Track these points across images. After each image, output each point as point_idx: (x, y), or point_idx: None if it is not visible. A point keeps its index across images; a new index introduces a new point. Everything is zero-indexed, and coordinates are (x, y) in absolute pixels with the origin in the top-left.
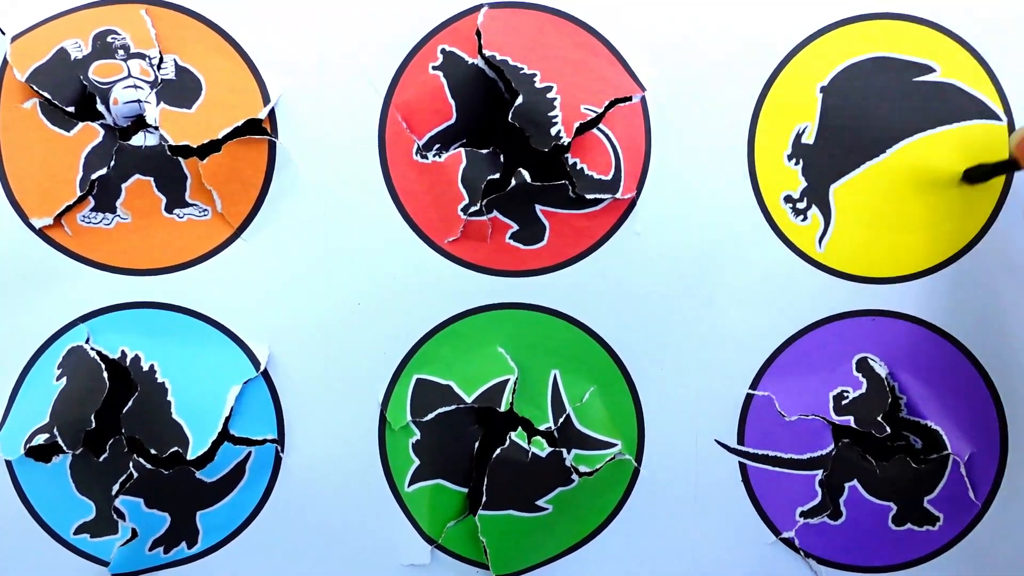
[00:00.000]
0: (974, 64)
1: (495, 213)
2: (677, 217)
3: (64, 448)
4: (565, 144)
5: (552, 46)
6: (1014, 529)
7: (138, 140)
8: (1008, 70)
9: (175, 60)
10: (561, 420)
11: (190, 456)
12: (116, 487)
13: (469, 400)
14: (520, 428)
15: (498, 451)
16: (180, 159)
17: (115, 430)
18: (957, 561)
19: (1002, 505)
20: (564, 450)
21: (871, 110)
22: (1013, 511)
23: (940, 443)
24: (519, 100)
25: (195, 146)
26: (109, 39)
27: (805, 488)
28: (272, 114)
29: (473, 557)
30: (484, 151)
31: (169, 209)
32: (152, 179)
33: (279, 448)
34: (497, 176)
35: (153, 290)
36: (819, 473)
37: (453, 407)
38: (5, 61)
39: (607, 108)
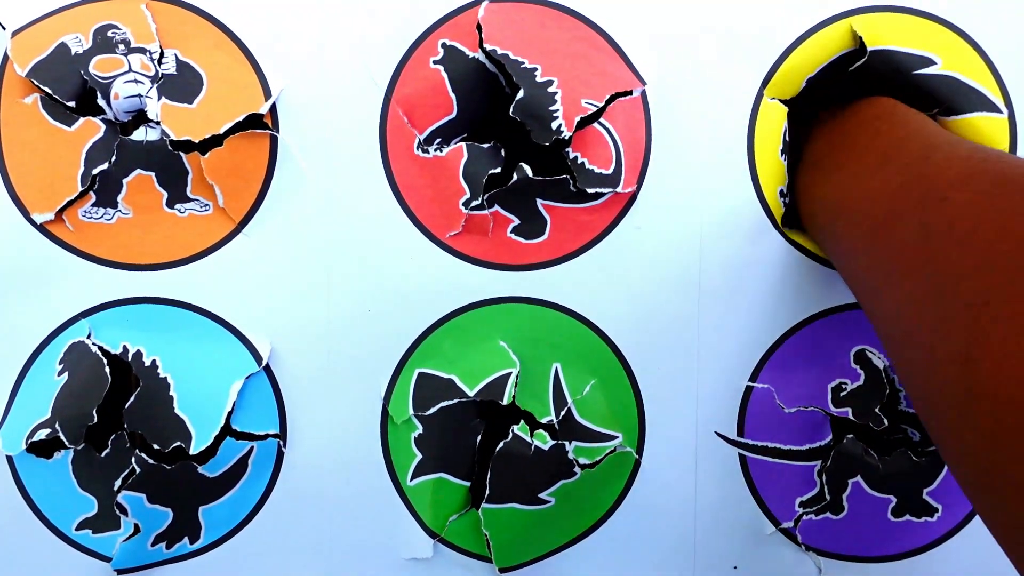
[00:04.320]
0: (974, 56)
1: (496, 207)
2: (677, 211)
3: (66, 443)
4: (566, 138)
5: (553, 40)
6: None
7: (139, 135)
8: (1008, 62)
9: (176, 55)
10: (563, 413)
11: (192, 451)
12: (118, 482)
13: (471, 394)
14: (522, 421)
15: (501, 444)
16: (181, 154)
17: (117, 425)
18: (955, 551)
19: None
20: (566, 442)
21: None
22: None
23: None
24: (520, 94)
25: (196, 141)
26: (110, 34)
27: (804, 479)
28: (273, 109)
29: (476, 550)
30: (485, 145)
31: (170, 204)
32: (153, 174)
33: (281, 443)
34: (498, 170)
35: (155, 285)
36: (818, 464)
37: (455, 401)
38: (6, 56)
39: (608, 102)
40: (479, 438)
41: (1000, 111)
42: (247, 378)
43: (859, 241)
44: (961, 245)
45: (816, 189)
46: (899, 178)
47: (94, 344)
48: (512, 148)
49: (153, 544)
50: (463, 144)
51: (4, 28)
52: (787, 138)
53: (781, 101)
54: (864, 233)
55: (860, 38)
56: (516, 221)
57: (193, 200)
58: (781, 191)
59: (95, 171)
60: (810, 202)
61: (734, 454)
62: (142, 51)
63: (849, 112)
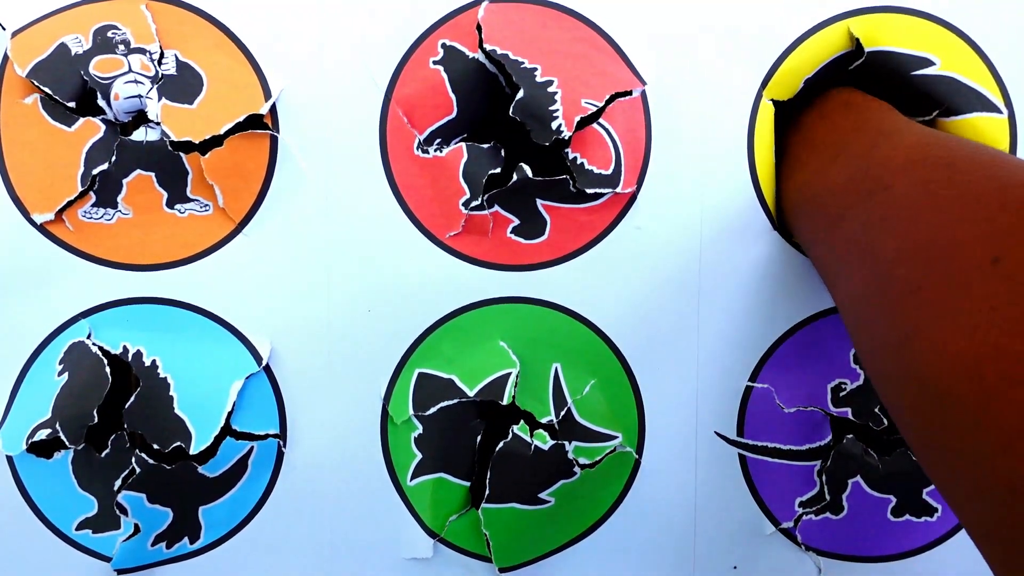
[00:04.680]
0: (974, 56)
1: (496, 208)
2: (677, 211)
3: (66, 443)
4: (566, 138)
5: (553, 40)
6: None
7: (139, 135)
8: (1007, 62)
9: (176, 55)
10: (562, 413)
11: (192, 451)
12: (118, 482)
13: (471, 394)
14: (522, 421)
15: (501, 444)
16: (181, 154)
17: (117, 425)
18: (955, 551)
19: None
20: (566, 442)
21: None
22: None
23: None
24: (520, 94)
25: (197, 141)
26: (110, 34)
27: (804, 479)
28: (273, 109)
29: (476, 550)
30: (485, 145)
31: (170, 204)
32: (153, 174)
33: (281, 443)
34: (498, 170)
35: (155, 285)
36: (818, 464)
37: (455, 401)
38: (6, 57)
39: (608, 102)
40: (479, 438)
41: (1000, 111)
42: (247, 378)
43: (819, 234)
44: (896, 235)
45: (786, 186)
46: (849, 170)
47: (94, 344)
48: (512, 148)
49: (153, 544)
50: (463, 144)
51: (4, 28)
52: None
53: (776, 102)
54: (822, 227)
55: (857, 39)
56: (516, 221)
57: (193, 200)
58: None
59: (95, 171)
60: (784, 199)
61: (734, 454)
62: (142, 51)
63: (813, 106)
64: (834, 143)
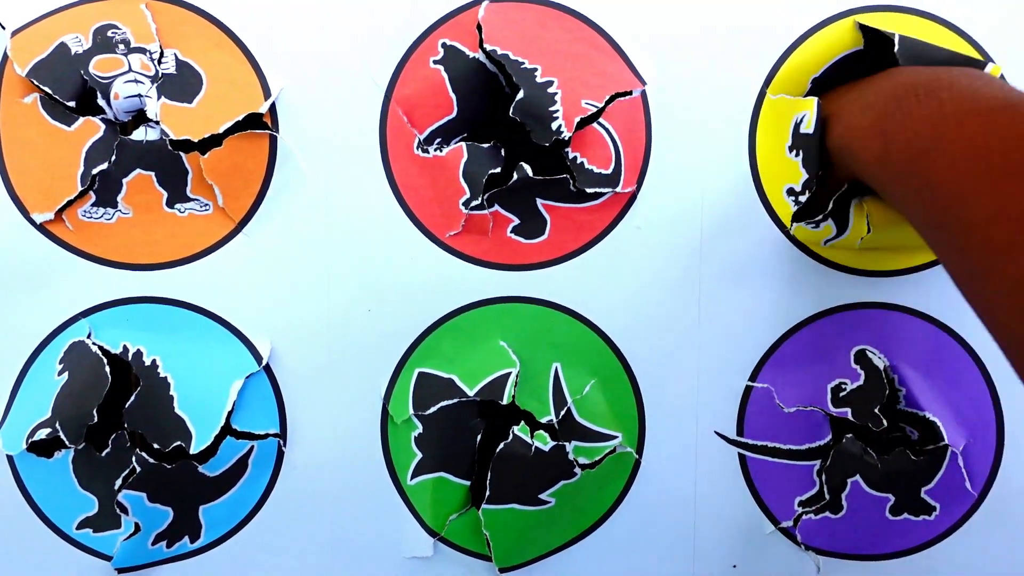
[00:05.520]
0: (978, 57)
1: (496, 207)
2: (677, 211)
3: (66, 443)
4: (566, 139)
5: (553, 40)
6: (1009, 518)
7: (139, 135)
8: (1012, 66)
9: (176, 55)
10: (562, 413)
11: (193, 450)
12: (119, 482)
13: (471, 393)
14: (522, 421)
15: (501, 445)
16: (181, 154)
17: (118, 425)
18: (953, 550)
19: (998, 494)
20: (566, 443)
21: None
22: (1008, 500)
23: (937, 434)
24: (520, 95)
25: (196, 140)
26: (109, 33)
27: (804, 478)
28: (273, 109)
29: (476, 550)
30: (485, 145)
31: (170, 204)
32: (153, 174)
33: (281, 442)
34: (498, 170)
35: (155, 285)
36: (817, 463)
37: (455, 400)
38: (5, 56)
39: (608, 102)
40: (479, 437)
41: None
42: (247, 378)
43: (959, 151)
44: None
45: (896, 135)
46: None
47: (94, 344)
48: (512, 148)
49: (154, 543)
50: (463, 144)
51: (4, 28)
52: (803, 128)
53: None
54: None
55: (874, 30)
56: (516, 221)
57: (193, 200)
58: (790, 189)
59: (95, 171)
60: (879, 155)
61: (734, 454)
62: (142, 51)
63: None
64: (965, 84)
